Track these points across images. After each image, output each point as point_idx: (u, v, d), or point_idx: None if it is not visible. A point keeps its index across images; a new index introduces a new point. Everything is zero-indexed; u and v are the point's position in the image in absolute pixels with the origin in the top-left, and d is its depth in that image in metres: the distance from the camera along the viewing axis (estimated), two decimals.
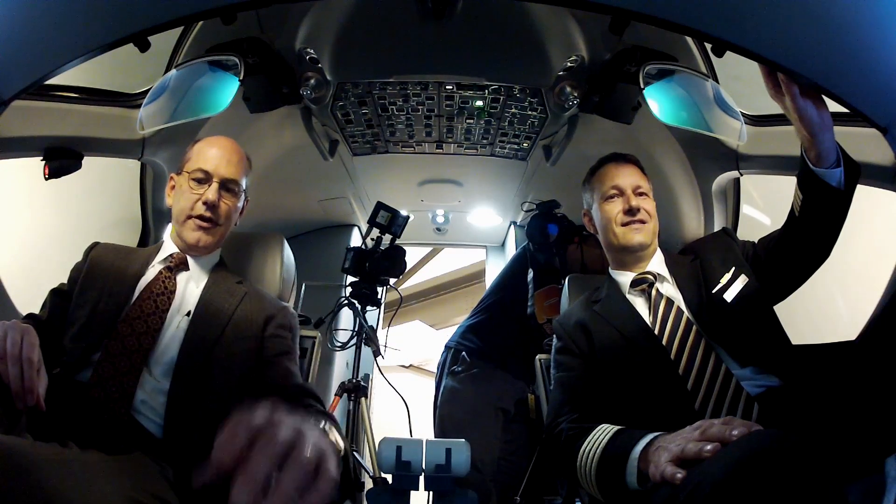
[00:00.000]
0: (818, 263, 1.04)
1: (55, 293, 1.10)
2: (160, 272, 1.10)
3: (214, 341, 1.02)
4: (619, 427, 0.91)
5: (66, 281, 1.12)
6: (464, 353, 1.97)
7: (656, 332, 1.07)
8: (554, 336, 1.24)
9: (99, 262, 1.11)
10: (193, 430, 0.90)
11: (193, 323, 1.04)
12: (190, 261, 1.15)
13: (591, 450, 0.90)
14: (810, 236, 1.01)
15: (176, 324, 1.04)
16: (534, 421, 1.88)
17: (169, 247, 1.17)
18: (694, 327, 1.05)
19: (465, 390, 1.91)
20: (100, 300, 1.04)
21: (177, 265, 1.13)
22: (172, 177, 1.20)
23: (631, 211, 1.17)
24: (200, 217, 1.12)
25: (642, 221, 1.18)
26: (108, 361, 0.94)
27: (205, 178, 1.13)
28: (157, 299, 1.05)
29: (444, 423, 1.88)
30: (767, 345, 1.03)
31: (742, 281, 1.09)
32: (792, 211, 1.02)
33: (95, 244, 1.17)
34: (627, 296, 1.16)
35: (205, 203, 1.12)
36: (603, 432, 0.91)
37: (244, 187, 1.21)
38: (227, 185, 1.15)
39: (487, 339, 1.99)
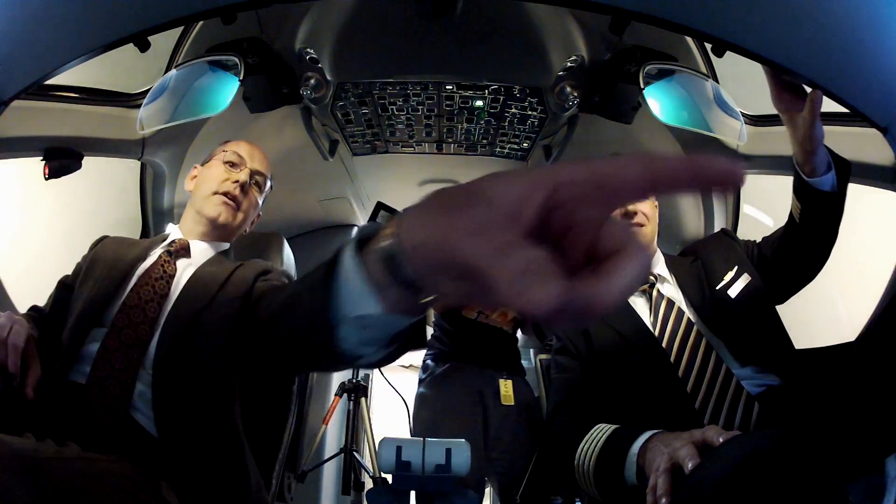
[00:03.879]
0: (821, 263, 1.04)
1: (60, 286, 1.07)
2: (160, 256, 1.06)
3: (202, 308, 0.95)
4: (616, 426, 0.91)
5: (70, 273, 1.09)
6: (427, 360, 1.91)
7: (657, 333, 1.06)
8: (554, 336, 1.24)
9: (102, 253, 1.08)
10: (181, 413, 0.85)
11: (183, 292, 0.99)
12: (192, 247, 1.11)
13: (588, 449, 0.90)
14: (813, 240, 1.02)
15: (168, 308, 0.99)
16: (511, 408, 1.86)
17: (174, 235, 1.14)
18: (695, 328, 1.05)
19: (434, 393, 1.84)
20: (94, 288, 0.99)
21: (177, 251, 1.08)
22: (196, 167, 1.22)
23: (628, 214, 1.16)
24: (228, 194, 1.13)
25: (640, 225, 1.17)
26: (105, 359, 0.90)
27: (239, 163, 1.16)
28: (154, 284, 1.00)
29: (420, 429, 1.79)
30: (769, 343, 1.03)
31: (745, 279, 1.09)
32: (791, 217, 1.03)
33: (103, 238, 1.14)
34: None
35: (237, 182, 1.13)
36: (600, 431, 0.91)
37: (266, 190, 1.23)
38: (256, 178, 1.18)
39: (450, 341, 1.93)
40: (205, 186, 1.15)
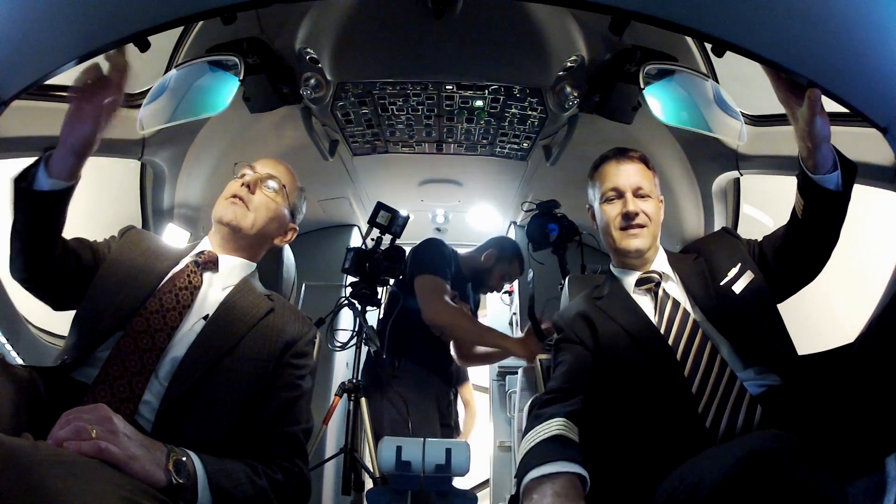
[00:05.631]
0: (821, 264, 1.04)
1: (92, 243, 1.08)
2: (187, 265, 1.07)
3: (226, 352, 0.97)
4: (555, 432, 0.91)
5: (101, 241, 1.10)
6: (392, 357, 1.94)
7: (662, 332, 1.06)
8: (555, 333, 1.23)
9: (128, 251, 1.08)
10: (182, 438, 0.85)
11: (208, 327, 0.99)
12: (220, 262, 1.11)
13: (525, 444, 0.92)
14: (814, 237, 1.02)
15: (190, 325, 0.99)
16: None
17: (204, 245, 1.14)
18: (700, 329, 1.04)
19: (424, 392, 1.92)
20: (120, 292, 1.00)
21: (205, 262, 1.08)
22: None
23: (628, 216, 1.14)
24: (235, 195, 1.13)
25: (641, 226, 1.15)
26: (118, 359, 0.90)
27: (248, 173, 1.17)
28: (178, 294, 1.01)
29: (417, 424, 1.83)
30: (772, 342, 1.03)
31: (748, 276, 1.09)
32: (794, 214, 1.03)
33: (131, 227, 1.15)
34: (632, 295, 1.16)
35: (243, 184, 1.14)
36: (541, 431, 0.92)
37: (288, 198, 1.21)
38: (268, 180, 1.17)
39: (413, 344, 1.98)
40: (219, 198, 1.16)
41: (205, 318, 1.00)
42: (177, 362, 0.94)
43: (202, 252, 1.11)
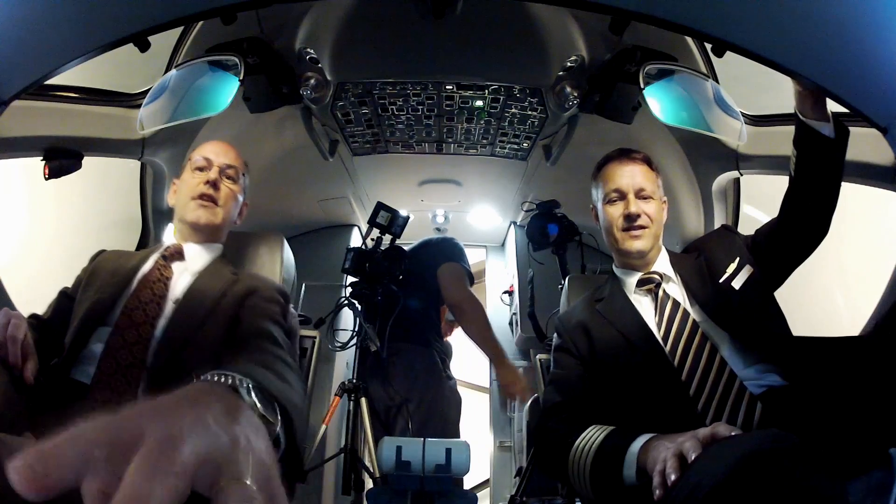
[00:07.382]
0: (820, 233, 1.04)
1: (61, 295, 1.12)
2: (156, 261, 1.12)
3: (197, 326, 1.00)
4: (613, 427, 0.91)
5: (71, 284, 1.14)
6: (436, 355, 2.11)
7: (662, 333, 1.06)
8: (555, 334, 1.23)
9: (102, 263, 1.14)
10: None
11: (178, 308, 1.04)
12: (186, 251, 1.16)
13: (585, 447, 0.90)
14: (810, 192, 1.02)
15: (168, 311, 1.04)
16: None
17: (168, 242, 1.20)
18: (700, 330, 1.04)
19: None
20: (97, 292, 1.05)
21: (172, 255, 1.14)
22: (175, 181, 1.27)
23: (630, 217, 1.15)
24: (202, 195, 1.17)
25: (642, 227, 1.15)
26: (110, 357, 0.93)
27: (206, 166, 1.21)
28: (153, 286, 1.06)
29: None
30: (773, 335, 1.03)
31: (748, 270, 1.09)
32: (790, 176, 1.04)
33: (101, 251, 1.20)
34: (633, 295, 1.15)
35: (207, 182, 1.18)
36: (597, 430, 0.91)
37: (243, 181, 1.26)
38: (227, 172, 1.22)
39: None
40: (181, 196, 1.21)
41: (175, 301, 1.05)
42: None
43: (168, 246, 1.17)
